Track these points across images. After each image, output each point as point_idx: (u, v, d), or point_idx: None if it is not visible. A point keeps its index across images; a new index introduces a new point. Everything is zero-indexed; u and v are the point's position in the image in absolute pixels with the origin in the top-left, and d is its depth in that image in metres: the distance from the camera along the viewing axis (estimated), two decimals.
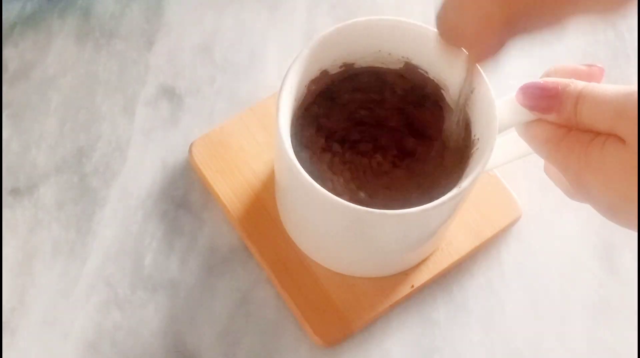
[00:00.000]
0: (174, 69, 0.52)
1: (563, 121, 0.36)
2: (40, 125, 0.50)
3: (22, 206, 0.48)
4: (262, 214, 0.47)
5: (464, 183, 0.38)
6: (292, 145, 0.39)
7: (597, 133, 0.35)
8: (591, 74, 0.37)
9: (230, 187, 0.48)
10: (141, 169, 0.50)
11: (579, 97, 0.35)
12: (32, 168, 0.49)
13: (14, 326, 0.45)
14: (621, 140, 0.34)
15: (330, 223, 0.41)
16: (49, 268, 0.47)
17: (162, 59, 0.52)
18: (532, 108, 0.37)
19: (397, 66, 0.43)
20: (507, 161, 0.42)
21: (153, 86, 0.52)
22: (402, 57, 0.42)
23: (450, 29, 0.37)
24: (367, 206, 0.38)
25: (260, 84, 0.52)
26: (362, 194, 0.44)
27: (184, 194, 0.49)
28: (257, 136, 0.49)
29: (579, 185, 0.36)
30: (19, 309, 0.46)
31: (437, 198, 0.38)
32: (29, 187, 0.48)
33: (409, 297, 0.47)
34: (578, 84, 0.35)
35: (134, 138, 0.50)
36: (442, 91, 0.42)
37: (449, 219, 0.43)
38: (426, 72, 0.42)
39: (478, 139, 0.40)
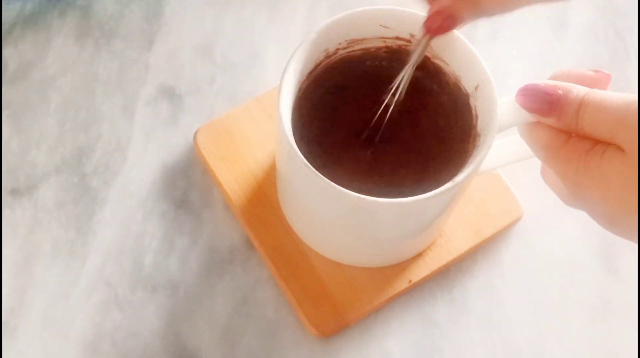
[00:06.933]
0: (173, 69, 0.52)
1: (563, 126, 0.35)
2: (40, 125, 0.50)
3: (22, 206, 0.48)
4: (263, 202, 0.48)
5: (458, 178, 0.38)
6: (293, 129, 0.39)
7: (597, 141, 0.34)
8: (597, 80, 0.36)
9: (233, 174, 0.48)
10: (141, 169, 0.49)
11: (581, 104, 0.34)
12: (32, 168, 0.49)
13: (14, 326, 0.45)
14: (620, 150, 0.33)
15: (326, 208, 0.42)
16: (48, 268, 0.47)
17: (162, 59, 0.52)
18: (531, 111, 0.36)
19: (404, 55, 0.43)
20: (512, 162, 0.42)
21: (153, 85, 0.52)
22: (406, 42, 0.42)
23: None
24: (364, 193, 0.38)
25: (260, 84, 0.52)
26: (360, 181, 0.44)
27: (184, 194, 0.49)
28: (262, 125, 0.49)
29: (576, 193, 0.35)
30: (18, 309, 0.46)
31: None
32: (29, 187, 0.48)
33: (406, 293, 0.47)
34: (581, 91, 0.35)
35: (134, 138, 0.50)
36: (456, 81, 0.42)
37: (445, 213, 0.43)
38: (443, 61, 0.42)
39: (479, 135, 0.40)
